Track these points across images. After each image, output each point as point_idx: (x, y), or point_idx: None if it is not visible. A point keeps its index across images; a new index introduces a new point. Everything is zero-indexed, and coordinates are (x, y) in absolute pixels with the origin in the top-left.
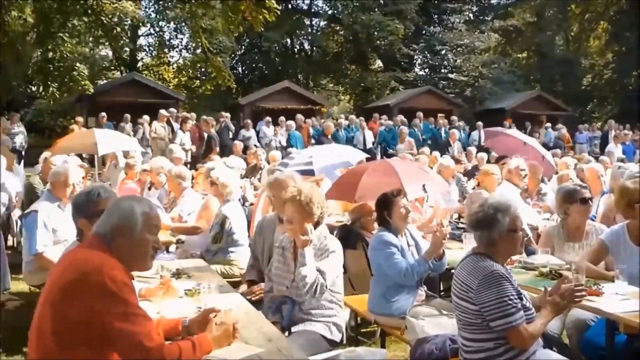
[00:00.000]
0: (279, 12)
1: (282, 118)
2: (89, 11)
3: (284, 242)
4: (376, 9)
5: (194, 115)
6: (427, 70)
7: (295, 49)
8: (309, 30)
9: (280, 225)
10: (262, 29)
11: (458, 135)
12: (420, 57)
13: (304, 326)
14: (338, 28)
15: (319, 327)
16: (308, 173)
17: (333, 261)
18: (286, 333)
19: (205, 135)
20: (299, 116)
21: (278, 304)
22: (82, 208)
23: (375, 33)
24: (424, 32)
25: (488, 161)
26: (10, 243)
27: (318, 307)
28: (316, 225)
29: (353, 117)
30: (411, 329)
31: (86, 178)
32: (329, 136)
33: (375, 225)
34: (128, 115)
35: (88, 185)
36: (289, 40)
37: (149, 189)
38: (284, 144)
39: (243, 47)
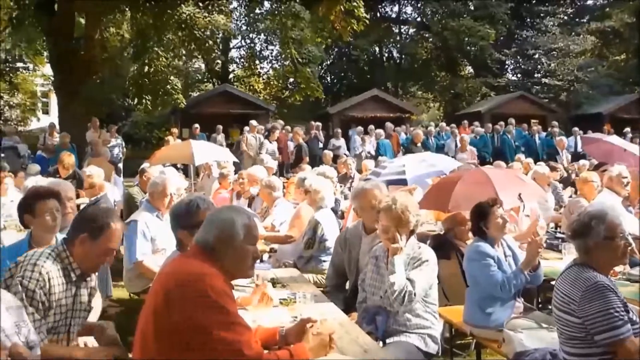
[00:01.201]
0: (367, 22)
1: (372, 126)
2: (183, 25)
3: (377, 252)
4: (466, 15)
5: (282, 122)
6: (519, 75)
7: (384, 57)
8: (398, 38)
9: (367, 236)
10: (351, 38)
11: (566, 143)
12: (512, 61)
13: (399, 338)
14: (427, 35)
15: (414, 338)
16: (401, 183)
17: (426, 271)
18: (380, 343)
19: (293, 144)
20: (388, 124)
21: (372, 314)
22: (181, 219)
23: (466, 39)
24: (516, 36)
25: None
26: None
27: (412, 318)
28: (411, 234)
29: (443, 124)
30: (509, 342)
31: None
32: (419, 144)
33: (470, 235)
34: (220, 127)
35: (186, 196)
36: (377, 49)
37: (238, 198)
38: (373, 152)
39: (332, 57)
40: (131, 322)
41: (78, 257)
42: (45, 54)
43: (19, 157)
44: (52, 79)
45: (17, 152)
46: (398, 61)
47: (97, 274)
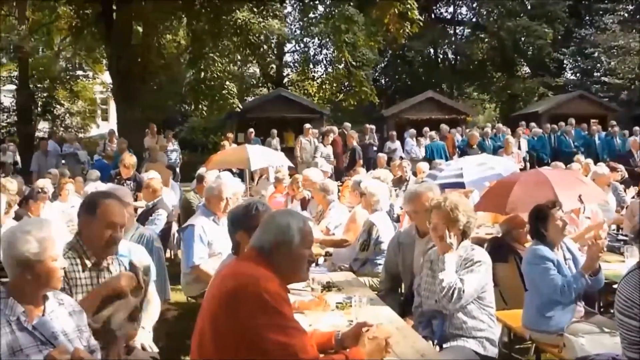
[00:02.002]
0: (421, 24)
1: (426, 129)
2: (238, 31)
3: (432, 255)
4: (522, 14)
5: (349, 125)
6: (578, 74)
7: (439, 58)
8: (453, 38)
9: (420, 239)
10: (405, 40)
11: None
12: (571, 60)
13: (457, 342)
14: (483, 35)
15: (472, 343)
16: (458, 186)
17: (477, 271)
18: (437, 348)
19: (346, 147)
20: (443, 126)
21: (428, 318)
22: (240, 221)
23: (522, 38)
24: (574, 34)
25: None
26: (168, 255)
27: (468, 320)
28: (463, 235)
29: (500, 125)
30: (570, 347)
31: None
32: (475, 146)
33: (528, 237)
34: (275, 131)
35: (244, 199)
36: (432, 50)
37: (292, 201)
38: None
39: (386, 59)
40: (189, 324)
41: (87, 241)
42: (104, 61)
43: (79, 163)
44: (111, 86)
45: (78, 158)
46: (453, 62)
47: (154, 280)
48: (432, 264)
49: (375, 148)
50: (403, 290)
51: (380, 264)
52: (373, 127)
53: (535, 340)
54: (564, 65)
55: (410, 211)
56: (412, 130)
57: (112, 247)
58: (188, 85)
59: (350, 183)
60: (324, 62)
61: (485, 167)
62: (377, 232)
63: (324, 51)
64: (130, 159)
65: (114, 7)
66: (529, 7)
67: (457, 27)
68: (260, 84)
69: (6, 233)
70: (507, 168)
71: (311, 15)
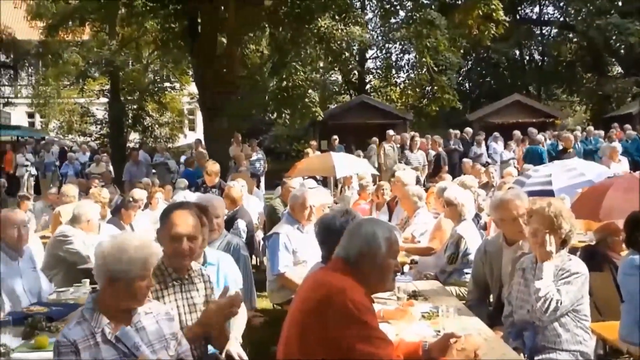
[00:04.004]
0: (507, 24)
1: (517, 132)
2: (321, 39)
3: (524, 263)
4: (613, 12)
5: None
6: None
7: (525, 60)
8: (539, 39)
9: (508, 247)
10: (490, 42)
11: None
12: None
13: (549, 355)
14: (571, 35)
15: (565, 356)
16: (546, 194)
17: (575, 283)
18: None
19: (432, 154)
20: (531, 130)
21: (519, 329)
22: (338, 232)
23: (613, 37)
24: None
25: None
26: (254, 262)
27: (563, 333)
28: (563, 243)
29: (591, 128)
30: None
31: None
32: (570, 150)
33: (624, 246)
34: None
35: (337, 208)
36: (517, 52)
37: (378, 209)
38: (515, 159)
39: (470, 62)
40: (275, 332)
41: (165, 256)
42: (190, 73)
43: (169, 172)
44: (198, 97)
45: (168, 167)
46: (540, 64)
47: (241, 287)
48: (524, 272)
49: (460, 154)
50: (492, 300)
51: (467, 273)
52: (457, 132)
53: (633, 355)
54: None
55: (496, 219)
56: (496, 134)
57: (181, 259)
58: (271, 95)
59: (435, 189)
60: (406, 67)
61: (576, 173)
62: (465, 245)
63: (406, 56)
64: (212, 166)
65: (199, 21)
66: (619, 4)
67: (543, 27)
68: (342, 91)
69: (101, 246)
70: (599, 174)
71: (392, 20)
